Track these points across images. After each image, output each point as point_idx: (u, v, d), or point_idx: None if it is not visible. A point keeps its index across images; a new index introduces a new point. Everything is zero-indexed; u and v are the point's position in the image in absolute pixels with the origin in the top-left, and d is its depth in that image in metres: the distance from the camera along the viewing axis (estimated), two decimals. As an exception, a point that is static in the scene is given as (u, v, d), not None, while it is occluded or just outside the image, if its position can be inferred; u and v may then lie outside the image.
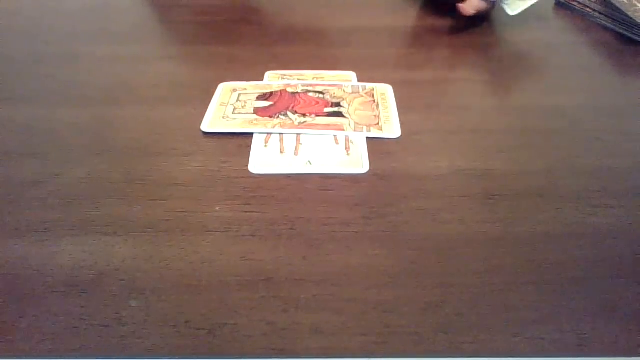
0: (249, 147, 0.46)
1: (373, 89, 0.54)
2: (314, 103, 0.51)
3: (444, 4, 0.68)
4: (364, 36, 0.66)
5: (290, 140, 0.47)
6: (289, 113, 0.50)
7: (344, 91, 0.53)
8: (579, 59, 0.62)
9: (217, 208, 0.40)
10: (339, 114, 0.50)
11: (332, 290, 0.34)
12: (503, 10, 0.64)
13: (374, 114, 0.50)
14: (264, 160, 0.45)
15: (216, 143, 0.47)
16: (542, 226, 0.39)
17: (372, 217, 0.39)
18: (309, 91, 0.53)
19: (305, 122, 0.48)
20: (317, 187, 0.42)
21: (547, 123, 0.50)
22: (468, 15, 0.64)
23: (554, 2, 0.75)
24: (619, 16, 0.66)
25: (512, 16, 0.64)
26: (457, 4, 0.64)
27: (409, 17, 0.70)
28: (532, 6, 0.63)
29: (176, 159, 0.45)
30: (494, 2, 0.64)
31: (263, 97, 0.52)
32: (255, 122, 0.49)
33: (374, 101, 0.52)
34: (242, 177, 0.43)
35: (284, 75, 0.57)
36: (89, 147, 0.46)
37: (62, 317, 0.32)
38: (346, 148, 0.46)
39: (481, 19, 0.66)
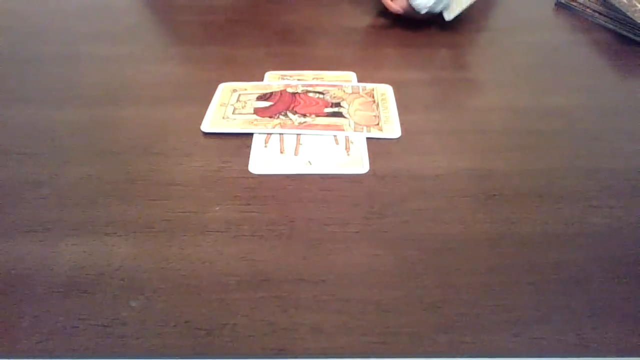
0: (249, 147, 0.46)
1: (373, 89, 0.54)
2: (314, 103, 0.51)
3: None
4: (364, 36, 0.66)
5: (290, 141, 0.47)
6: (289, 113, 0.50)
7: (344, 91, 0.53)
8: (579, 59, 0.62)
9: (217, 208, 0.40)
10: (339, 114, 0.50)
11: (332, 290, 0.34)
12: (442, 17, 0.65)
13: (374, 114, 0.50)
14: (264, 160, 0.45)
15: (216, 143, 0.47)
16: (542, 226, 0.39)
17: (372, 217, 0.39)
18: (309, 91, 0.53)
19: (305, 122, 0.48)
20: (317, 187, 0.42)
21: (547, 123, 0.50)
22: (395, 12, 0.65)
23: (554, 2, 0.75)
24: (619, 16, 0.66)
25: (509, 17, 0.64)
26: (384, 1, 0.66)
27: (408, 17, 0.70)
28: (467, 9, 0.63)
29: (176, 159, 0.45)
30: (419, 11, 0.63)
31: (263, 97, 0.52)
32: (255, 122, 0.49)
33: (374, 101, 0.52)
34: (242, 177, 0.43)
35: (284, 75, 0.57)
36: (89, 147, 0.46)
37: (62, 317, 0.32)
38: (346, 148, 0.46)
39: (412, 21, 0.66)
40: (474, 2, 0.63)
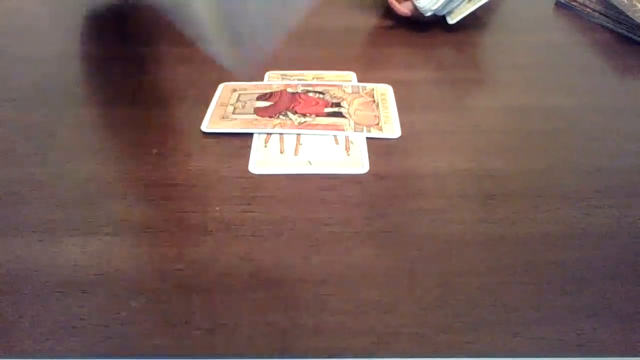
0: (249, 147, 0.46)
1: (373, 89, 0.54)
2: (314, 103, 0.51)
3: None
4: (364, 36, 0.66)
5: (290, 141, 0.47)
6: (289, 113, 0.50)
7: (344, 91, 0.53)
8: (579, 59, 0.62)
9: (217, 208, 0.40)
10: (339, 114, 0.50)
11: (332, 290, 0.34)
12: (445, 19, 0.65)
13: (374, 114, 0.50)
14: (264, 160, 0.45)
15: (216, 143, 0.47)
16: (542, 226, 0.39)
17: (372, 217, 0.39)
18: (309, 91, 0.53)
19: (305, 122, 0.48)
20: (317, 187, 0.42)
21: (547, 123, 0.50)
22: (403, 15, 0.65)
23: (554, 2, 0.75)
24: (619, 16, 0.66)
25: (508, 16, 0.64)
26: (391, 2, 0.65)
27: (414, 20, 0.70)
28: (471, 13, 0.63)
29: (176, 159, 0.45)
30: (424, 13, 0.63)
31: (263, 97, 0.52)
32: (255, 122, 0.49)
33: (374, 101, 0.52)
34: (242, 177, 0.43)
35: (284, 75, 0.57)
36: (89, 147, 0.46)
37: (62, 317, 0.32)
38: (346, 148, 0.46)
39: (415, 23, 0.66)
40: (478, 7, 0.63)
